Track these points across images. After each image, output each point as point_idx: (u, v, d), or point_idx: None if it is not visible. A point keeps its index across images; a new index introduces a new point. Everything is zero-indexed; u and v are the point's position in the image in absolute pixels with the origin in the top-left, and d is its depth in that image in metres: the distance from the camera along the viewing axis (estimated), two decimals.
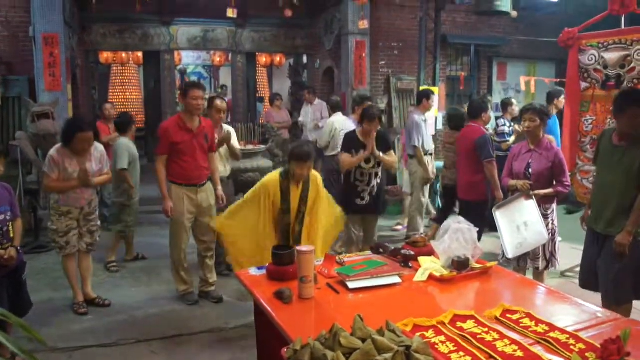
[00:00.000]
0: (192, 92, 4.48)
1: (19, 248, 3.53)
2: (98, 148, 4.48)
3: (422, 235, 3.36)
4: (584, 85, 5.12)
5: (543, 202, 4.16)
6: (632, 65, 4.78)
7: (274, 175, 3.71)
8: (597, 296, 3.59)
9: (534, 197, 4.12)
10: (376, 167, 4.87)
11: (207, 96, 4.94)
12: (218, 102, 5.04)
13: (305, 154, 3.58)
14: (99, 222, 4.62)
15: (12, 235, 3.48)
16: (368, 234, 5.10)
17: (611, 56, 4.90)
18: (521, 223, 4.11)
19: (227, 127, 5.24)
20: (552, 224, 4.23)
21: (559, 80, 9.28)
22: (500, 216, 4.26)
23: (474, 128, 5.27)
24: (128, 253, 5.95)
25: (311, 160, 3.62)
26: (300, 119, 9.51)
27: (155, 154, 4.56)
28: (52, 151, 4.29)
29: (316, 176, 3.80)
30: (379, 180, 4.98)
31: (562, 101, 6.46)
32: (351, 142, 4.88)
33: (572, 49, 5.15)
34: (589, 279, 3.71)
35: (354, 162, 4.79)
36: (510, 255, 4.09)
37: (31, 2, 7.60)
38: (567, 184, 4.22)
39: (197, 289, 4.84)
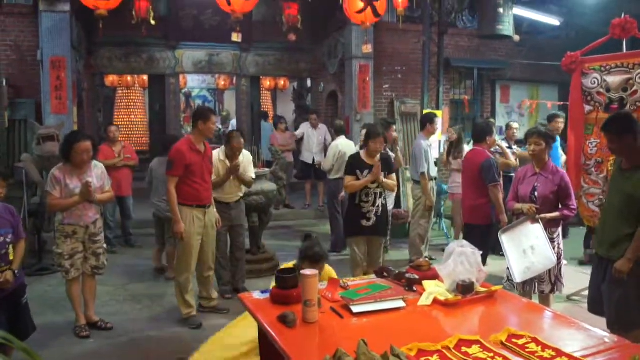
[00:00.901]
0: (213, 118, 4.72)
1: (16, 271, 3.49)
2: (98, 165, 4.51)
3: (426, 259, 3.33)
4: (587, 108, 5.14)
5: (549, 226, 4.13)
6: (634, 88, 4.80)
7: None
8: (605, 321, 3.54)
9: (540, 220, 4.10)
10: (381, 187, 4.89)
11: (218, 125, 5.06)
12: (235, 142, 5.11)
13: (318, 256, 3.38)
14: (105, 245, 4.61)
15: (11, 257, 3.46)
16: (373, 257, 5.08)
17: (614, 79, 4.92)
18: (528, 247, 4.08)
19: (246, 154, 5.32)
20: (558, 247, 4.20)
21: (562, 103, 9.32)
22: (506, 240, 4.23)
23: (478, 151, 5.26)
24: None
25: (323, 261, 3.40)
26: (298, 132, 9.60)
27: (167, 175, 4.56)
28: (54, 169, 4.32)
29: (326, 272, 3.58)
30: (384, 201, 4.99)
31: (558, 123, 6.49)
32: (355, 164, 4.90)
33: (575, 73, 5.18)
34: (595, 303, 3.67)
35: (358, 185, 4.81)
36: (517, 279, 4.04)
37: (39, 27, 7.72)
38: (573, 207, 4.20)
39: (200, 307, 4.89)
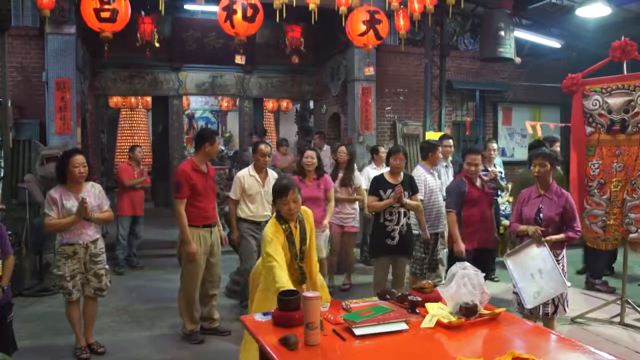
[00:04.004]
0: (218, 140, 4.85)
1: (5, 288, 3.46)
2: (95, 186, 4.50)
3: (429, 282, 3.31)
4: (589, 129, 5.16)
5: (554, 248, 4.10)
6: (635, 109, 4.83)
7: (273, 223, 3.41)
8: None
9: (546, 243, 4.07)
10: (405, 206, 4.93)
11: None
12: (262, 146, 5.19)
13: (284, 186, 3.35)
14: (107, 266, 4.58)
15: (0, 273, 3.44)
16: (398, 277, 5.08)
17: (615, 101, 4.95)
18: (535, 271, 4.03)
19: (272, 173, 5.37)
20: (562, 269, 4.16)
21: (564, 124, 9.35)
22: (512, 264, 4.18)
23: (460, 174, 5.10)
24: None
25: (293, 190, 3.34)
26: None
27: (175, 198, 4.65)
28: (50, 191, 4.32)
29: (306, 211, 3.57)
30: (408, 220, 5.00)
31: (554, 146, 6.35)
32: (379, 184, 4.95)
33: (576, 94, 5.21)
34: None
35: (380, 206, 4.85)
36: (529, 305, 3.99)
37: (45, 49, 7.82)
38: (578, 229, 4.18)
39: (200, 328, 4.87)
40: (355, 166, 6.49)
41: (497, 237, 5.15)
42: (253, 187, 5.14)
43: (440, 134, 8.42)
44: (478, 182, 5.00)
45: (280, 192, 3.35)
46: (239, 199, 5.18)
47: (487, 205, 5.00)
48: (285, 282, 3.09)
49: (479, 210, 4.90)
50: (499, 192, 6.71)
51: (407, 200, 4.88)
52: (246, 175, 5.18)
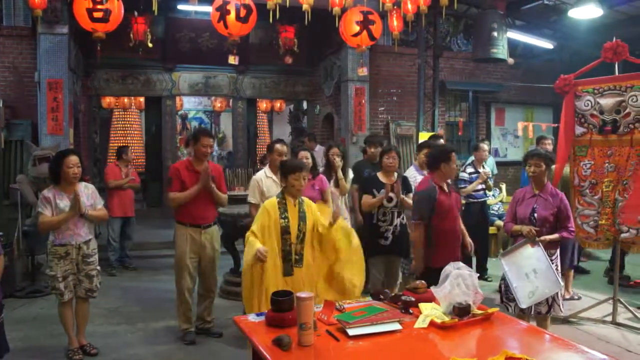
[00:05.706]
0: (203, 140, 4.68)
1: None
2: (89, 186, 4.49)
3: (422, 282, 3.31)
4: (581, 130, 5.18)
5: (548, 248, 4.11)
6: (627, 110, 4.86)
7: (271, 199, 3.85)
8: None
9: (540, 243, 4.09)
10: (399, 207, 4.90)
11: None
12: (278, 145, 4.98)
13: (299, 164, 3.87)
14: (99, 267, 4.56)
15: None
16: (391, 277, 5.05)
17: (607, 102, 4.98)
18: (530, 271, 4.04)
19: None
20: (556, 269, 4.18)
21: (556, 125, 9.38)
22: (506, 264, 4.19)
23: (423, 181, 4.51)
24: None
25: (305, 170, 3.83)
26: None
27: (167, 192, 4.77)
28: (44, 191, 4.31)
29: (310, 203, 3.90)
30: (402, 220, 4.98)
31: (545, 144, 6.42)
32: (372, 183, 4.95)
33: (567, 95, 5.23)
34: None
35: (374, 203, 4.84)
36: (523, 305, 4.00)
37: (37, 49, 7.77)
38: (572, 229, 4.20)
39: (195, 326, 4.88)
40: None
41: (468, 252, 4.55)
42: (272, 189, 4.78)
43: (431, 134, 8.45)
44: (445, 187, 4.27)
45: (295, 168, 3.76)
46: (259, 203, 4.67)
47: (456, 216, 4.30)
48: (255, 242, 3.53)
49: (451, 223, 4.24)
50: (487, 193, 6.77)
51: (403, 196, 4.87)
52: (263, 177, 4.90)
